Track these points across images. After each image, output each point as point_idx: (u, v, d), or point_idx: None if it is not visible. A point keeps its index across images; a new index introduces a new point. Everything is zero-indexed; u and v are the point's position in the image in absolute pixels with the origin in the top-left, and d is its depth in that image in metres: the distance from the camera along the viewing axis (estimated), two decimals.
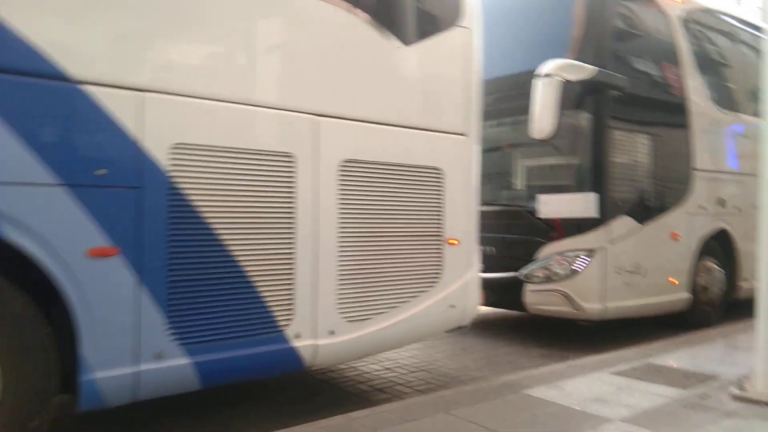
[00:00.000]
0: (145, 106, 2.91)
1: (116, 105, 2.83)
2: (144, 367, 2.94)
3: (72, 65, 2.73)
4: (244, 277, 3.26)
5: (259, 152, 3.31)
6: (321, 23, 3.60)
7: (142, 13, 2.95)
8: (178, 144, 3.02)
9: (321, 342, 3.59)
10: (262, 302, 3.33)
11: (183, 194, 3.04)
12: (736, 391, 3.85)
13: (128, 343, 2.90)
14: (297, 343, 3.48)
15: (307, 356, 3.55)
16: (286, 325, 3.43)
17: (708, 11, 7.31)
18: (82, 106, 2.76)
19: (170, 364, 3.02)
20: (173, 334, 3.03)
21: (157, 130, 2.95)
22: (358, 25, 3.74)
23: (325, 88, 3.59)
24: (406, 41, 3.93)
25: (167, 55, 3.06)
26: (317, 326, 3.56)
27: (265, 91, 3.38)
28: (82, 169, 2.76)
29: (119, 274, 2.86)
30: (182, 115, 3.05)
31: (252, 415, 3.88)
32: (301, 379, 4.72)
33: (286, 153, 3.40)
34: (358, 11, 3.73)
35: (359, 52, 3.76)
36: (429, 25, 4.11)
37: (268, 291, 3.35)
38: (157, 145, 2.95)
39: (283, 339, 3.42)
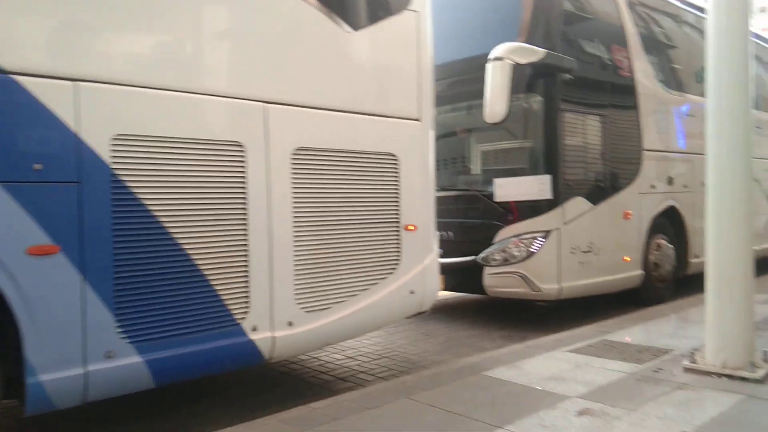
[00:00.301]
0: (81, 96, 2.78)
1: (50, 96, 2.70)
2: (93, 367, 2.84)
3: (1, 56, 2.58)
4: (195, 270, 3.17)
5: (206, 142, 3.21)
6: (268, 8, 3.51)
7: (76, 1, 2.81)
8: (119, 135, 2.90)
9: (279, 334, 3.53)
10: (215, 296, 3.25)
11: (127, 187, 2.93)
12: (688, 364, 3.96)
13: (75, 344, 2.79)
14: (254, 336, 3.42)
15: (265, 349, 3.50)
16: (242, 318, 3.36)
17: None
18: (14, 98, 2.63)
19: (121, 363, 2.93)
20: (123, 332, 2.93)
21: (96, 122, 2.83)
22: (307, 10, 3.66)
23: (274, 74, 3.51)
24: (356, 26, 3.87)
25: (104, 43, 2.92)
26: (274, 318, 3.50)
27: (210, 78, 3.28)
28: (18, 164, 2.63)
29: (61, 272, 2.74)
30: (123, 105, 2.93)
31: (211, 412, 3.81)
32: (262, 372, 4.66)
33: (235, 142, 3.32)
34: None
35: (308, 38, 3.68)
36: (378, 9, 4.07)
37: (222, 284, 3.27)
38: (97, 137, 2.83)
39: (239, 332, 3.35)
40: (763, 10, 33.30)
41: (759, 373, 3.70)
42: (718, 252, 3.91)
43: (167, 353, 3.09)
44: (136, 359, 2.98)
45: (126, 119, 2.94)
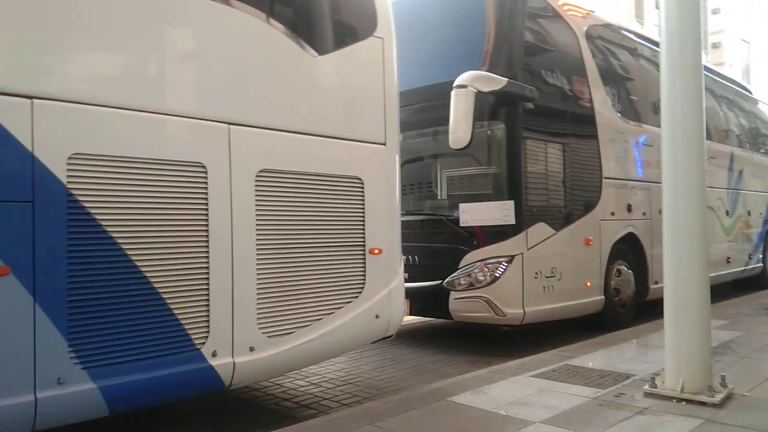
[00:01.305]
0: (36, 114, 2.71)
1: (4, 113, 2.62)
2: (43, 394, 2.72)
3: None
4: (153, 294, 3.09)
5: (167, 162, 3.16)
6: (233, 31, 3.51)
7: (31, 16, 2.75)
8: (76, 154, 2.83)
9: (240, 359, 3.45)
10: (174, 320, 3.16)
11: (84, 208, 2.85)
12: (649, 389, 4.01)
13: (24, 369, 2.67)
14: (214, 362, 3.32)
15: (225, 375, 3.40)
16: (201, 344, 3.27)
17: (610, 26, 7.76)
18: None
19: (73, 390, 2.81)
20: (75, 357, 2.82)
21: (50, 140, 2.75)
22: (272, 34, 3.67)
23: (238, 96, 3.49)
24: (321, 51, 3.90)
25: (62, 61, 2.86)
26: (235, 343, 3.42)
27: (172, 98, 3.24)
28: None
29: (12, 294, 2.64)
30: (81, 124, 2.86)
31: None
32: (222, 399, 4.53)
33: (197, 162, 3.27)
34: (272, 20, 3.67)
35: (273, 62, 3.68)
36: (344, 35, 4.11)
37: (180, 308, 3.19)
38: (52, 156, 2.75)
39: (198, 358, 3.26)
40: (715, 45, 34.86)
41: (717, 398, 3.76)
42: (676, 278, 4.00)
43: (122, 380, 2.98)
44: (89, 386, 2.86)
45: (84, 138, 2.87)
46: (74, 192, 2.81)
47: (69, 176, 2.80)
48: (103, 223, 2.92)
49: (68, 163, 2.80)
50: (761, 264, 11.14)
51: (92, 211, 2.88)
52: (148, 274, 3.06)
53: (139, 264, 3.03)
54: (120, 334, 2.97)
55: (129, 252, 3.00)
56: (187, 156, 3.25)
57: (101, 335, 2.91)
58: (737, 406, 3.74)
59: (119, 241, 2.97)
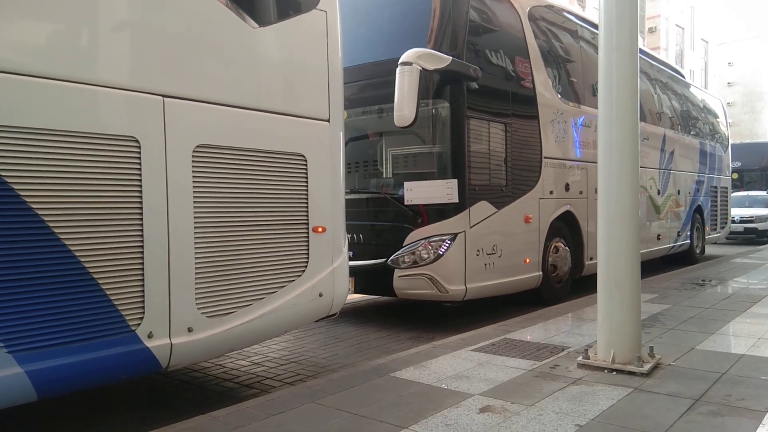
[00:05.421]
0: None
1: None
2: None
3: None
4: (83, 273, 2.94)
5: (96, 136, 2.99)
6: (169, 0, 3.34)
7: None
8: None
9: (178, 340, 3.36)
10: (106, 300, 3.04)
11: (5, 183, 2.68)
12: (582, 360, 4.18)
13: None
14: (150, 343, 3.23)
15: (162, 356, 3.31)
16: (135, 325, 3.16)
17: (552, 8, 7.88)
18: None
19: None
20: (0, 341, 2.67)
21: None
22: (209, 2, 3.52)
23: (172, 68, 3.32)
24: (262, 22, 3.77)
25: None
26: (172, 324, 3.33)
27: (101, 68, 3.05)
28: None
29: None
30: (3, 96, 2.67)
31: (105, 425, 3.58)
32: (161, 381, 4.43)
33: (128, 136, 3.12)
34: None
35: (211, 32, 3.54)
36: (286, 6, 3.99)
37: (112, 288, 3.06)
38: None
39: (133, 339, 3.15)
40: (651, 30, 36.07)
41: (645, 368, 3.96)
42: (608, 254, 4.15)
43: (51, 363, 2.85)
44: (15, 370, 2.72)
45: (4, 110, 2.68)
46: None
47: None
48: (27, 198, 2.75)
49: None
50: (689, 241, 11.76)
51: (15, 186, 2.71)
52: (77, 254, 2.92)
53: (67, 243, 2.88)
54: (48, 315, 2.83)
55: (55, 229, 2.84)
56: (119, 129, 3.09)
57: (28, 317, 2.76)
58: (664, 375, 3.95)
59: (44, 218, 2.81)
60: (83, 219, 2.96)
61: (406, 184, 5.93)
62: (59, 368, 2.87)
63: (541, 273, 6.97)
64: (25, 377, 2.76)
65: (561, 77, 7.69)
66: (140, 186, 3.16)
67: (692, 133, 12.19)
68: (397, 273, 5.96)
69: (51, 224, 2.84)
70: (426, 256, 5.84)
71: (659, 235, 10.30)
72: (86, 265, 2.96)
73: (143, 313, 3.19)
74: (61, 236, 2.87)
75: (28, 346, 2.77)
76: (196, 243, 3.43)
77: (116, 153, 3.08)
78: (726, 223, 14.19)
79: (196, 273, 3.44)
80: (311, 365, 4.90)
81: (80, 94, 2.95)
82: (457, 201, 5.81)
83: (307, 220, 4.10)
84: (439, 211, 5.88)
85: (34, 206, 2.78)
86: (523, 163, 6.78)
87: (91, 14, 3.05)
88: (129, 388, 4.27)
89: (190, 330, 3.41)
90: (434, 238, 5.85)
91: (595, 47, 7.75)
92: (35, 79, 2.79)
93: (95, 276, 2.99)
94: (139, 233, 3.17)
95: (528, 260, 6.77)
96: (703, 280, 8.66)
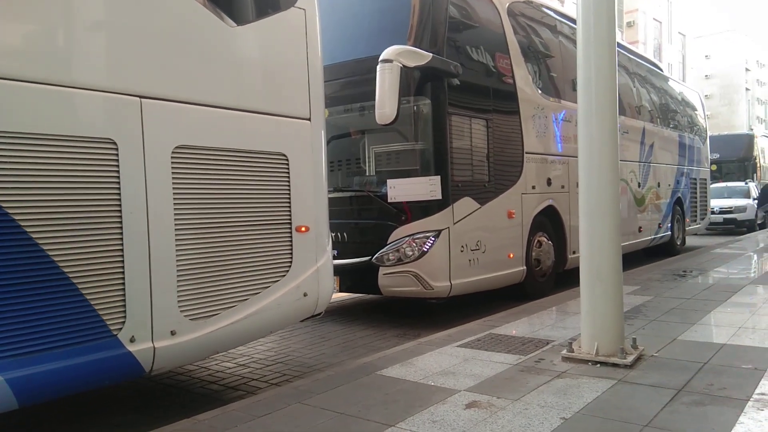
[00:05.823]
0: None
1: None
2: None
3: None
4: (62, 278, 2.90)
5: (73, 138, 2.94)
6: None
7: None
8: None
9: (161, 344, 3.32)
10: (86, 305, 2.99)
11: None
12: (566, 353, 4.21)
13: None
14: (132, 348, 3.19)
15: (145, 361, 3.27)
16: (117, 330, 3.12)
17: (531, 3, 7.92)
18: None
19: None
20: None
21: None
22: (186, 2, 3.48)
23: (150, 68, 3.28)
24: (240, 21, 3.74)
25: None
26: (155, 327, 3.29)
27: (78, 70, 3.00)
28: None
29: None
30: None
31: (93, 430, 3.53)
32: (146, 385, 4.38)
33: (106, 138, 3.07)
34: None
35: (188, 31, 3.49)
36: (264, 5, 3.95)
37: (92, 293, 3.01)
38: None
39: (114, 344, 3.11)
40: (630, 24, 36.41)
41: (629, 359, 4.00)
42: (590, 247, 4.19)
43: (31, 370, 2.80)
44: None
45: None
46: None
47: None
48: (2, 203, 2.70)
49: None
50: (669, 233, 11.91)
51: None
52: (56, 258, 2.87)
53: (45, 248, 2.84)
54: (27, 322, 2.78)
55: (33, 234, 2.80)
56: (95, 132, 3.04)
57: (6, 324, 2.71)
58: (647, 366, 4.00)
59: (21, 223, 2.76)
60: (61, 223, 2.91)
61: (389, 182, 5.92)
62: (40, 375, 2.83)
63: (525, 267, 7.01)
64: (5, 385, 2.71)
65: (541, 72, 7.74)
66: (119, 189, 3.12)
67: (671, 125, 12.33)
68: (381, 271, 5.95)
69: (28, 229, 2.79)
70: (410, 253, 5.84)
71: (641, 228, 10.42)
72: (65, 269, 2.91)
73: (124, 317, 3.15)
74: (39, 241, 2.82)
75: (7, 354, 2.73)
76: (177, 245, 3.39)
77: (93, 156, 3.03)
78: (706, 214, 14.39)
79: (178, 275, 3.41)
80: (297, 365, 4.88)
81: (55, 97, 2.90)
82: (440, 198, 5.82)
83: (290, 219, 4.08)
84: (423, 208, 5.88)
85: (10, 211, 2.73)
86: (505, 159, 6.81)
87: (66, 15, 3.00)
88: (116, 392, 4.22)
89: (173, 333, 3.38)
90: (418, 235, 5.86)
91: (575, 42, 7.82)
92: (8, 81, 2.73)
93: (74, 280, 2.94)
94: (119, 236, 3.12)
95: (512, 255, 6.80)
96: (684, 271, 8.77)
